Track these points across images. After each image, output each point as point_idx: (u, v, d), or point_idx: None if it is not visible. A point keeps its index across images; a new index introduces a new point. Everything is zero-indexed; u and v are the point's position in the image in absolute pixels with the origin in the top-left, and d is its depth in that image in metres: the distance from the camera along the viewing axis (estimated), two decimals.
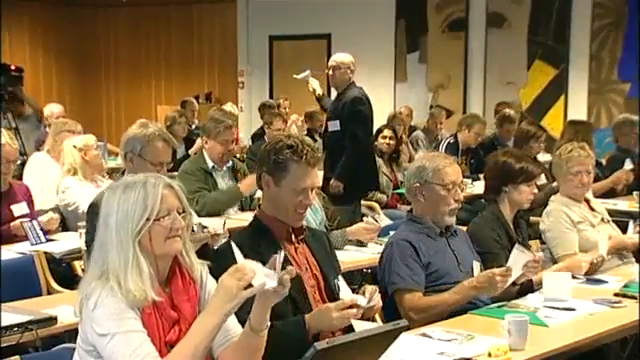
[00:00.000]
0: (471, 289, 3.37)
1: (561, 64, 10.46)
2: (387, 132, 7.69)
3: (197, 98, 12.10)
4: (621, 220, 4.77)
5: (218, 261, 2.60)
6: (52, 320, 3.22)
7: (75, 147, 5.35)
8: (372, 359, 2.50)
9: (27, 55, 13.42)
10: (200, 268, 2.50)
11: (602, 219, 4.52)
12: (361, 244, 4.77)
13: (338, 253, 3.40)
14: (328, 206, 4.95)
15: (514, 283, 3.52)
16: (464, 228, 3.91)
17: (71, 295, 3.54)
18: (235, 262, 2.32)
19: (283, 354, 2.74)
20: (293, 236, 3.04)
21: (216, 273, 2.39)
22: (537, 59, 10.62)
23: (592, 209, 4.52)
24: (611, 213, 4.82)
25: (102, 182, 5.35)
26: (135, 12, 14.05)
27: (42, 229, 4.70)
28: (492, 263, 3.56)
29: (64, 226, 5.16)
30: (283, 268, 2.29)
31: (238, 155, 7.78)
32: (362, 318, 2.88)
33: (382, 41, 11.51)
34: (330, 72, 6.65)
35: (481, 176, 6.76)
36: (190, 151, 8.33)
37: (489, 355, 2.81)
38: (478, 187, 6.79)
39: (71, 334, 3.12)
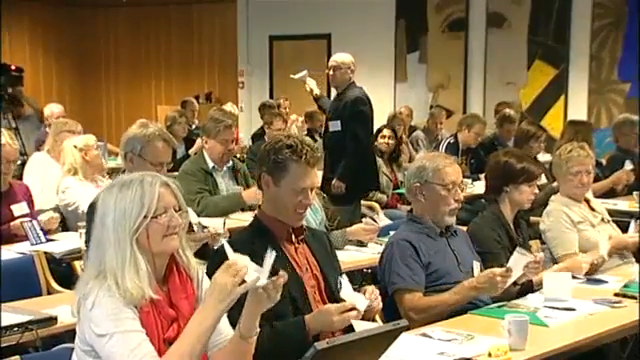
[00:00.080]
0: (471, 289, 3.37)
1: (561, 64, 10.46)
2: (386, 132, 7.69)
3: (197, 98, 12.10)
4: (621, 220, 4.77)
5: (215, 260, 2.60)
6: (52, 320, 3.22)
7: (75, 147, 5.35)
8: (372, 359, 2.50)
9: (27, 55, 13.42)
10: (197, 267, 2.51)
11: (602, 219, 4.52)
12: (361, 244, 4.77)
13: (338, 253, 3.40)
14: (328, 206, 4.95)
15: (515, 283, 3.52)
16: (464, 228, 3.91)
17: (71, 295, 3.50)
18: None
19: (283, 354, 2.74)
20: (293, 236, 3.04)
21: (213, 272, 2.39)
22: (537, 59, 10.62)
23: (592, 209, 4.52)
24: (611, 213, 4.82)
25: (102, 182, 5.35)
26: (135, 12, 14.05)
27: (42, 229, 4.70)
28: (492, 263, 3.56)
29: (64, 226, 5.16)
30: (273, 268, 2.29)
31: (238, 155, 7.79)
32: (362, 318, 2.88)
33: (382, 41, 11.50)
34: (331, 72, 6.66)
35: (481, 176, 6.78)
36: (190, 151, 8.33)
37: (489, 355, 2.81)
38: (478, 187, 6.80)
39: (71, 334, 3.10)
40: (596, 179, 5.61)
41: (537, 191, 4.08)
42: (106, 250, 2.34)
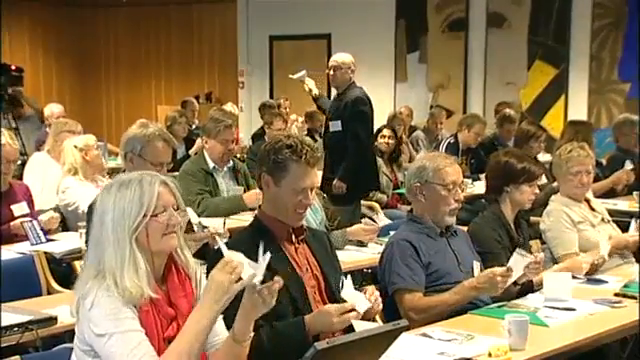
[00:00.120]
0: (471, 289, 3.37)
1: (561, 64, 10.46)
2: (386, 132, 7.69)
3: (197, 98, 12.10)
4: (621, 220, 4.77)
5: (215, 260, 2.60)
6: (52, 320, 3.22)
7: (76, 147, 5.35)
8: (372, 359, 2.50)
9: (27, 55, 13.42)
10: (195, 266, 2.51)
11: (602, 219, 4.52)
12: (361, 244, 4.78)
13: (338, 253, 3.39)
14: (328, 206, 4.95)
15: (515, 283, 3.52)
16: (464, 228, 3.91)
17: (71, 295, 3.49)
18: None
19: (283, 354, 2.74)
20: (293, 236, 3.03)
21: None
22: (537, 59, 10.62)
23: (592, 209, 4.52)
24: (611, 213, 4.82)
25: (102, 182, 5.34)
26: (135, 12, 14.05)
27: (42, 229, 4.70)
28: (493, 263, 3.56)
29: (64, 226, 5.16)
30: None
31: (238, 155, 7.79)
32: (362, 318, 2.88)
33: (382, 41, 11.50)
34: (331, 72, 6.66)
35: (481, 176, 6.78)
36: (190, 151, 8.33)
37: (489, 355, 2.81)
38: (478, 187, 6.80)
39: (71, 334, 3.09)
40: (596, 179, 5.61)
41: (537, 191, 4.08)
42: (105, 250, 2.34)
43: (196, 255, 2.65)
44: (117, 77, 14.51)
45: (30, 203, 5.03)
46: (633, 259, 4.44)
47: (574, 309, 3.46)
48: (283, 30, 12.34)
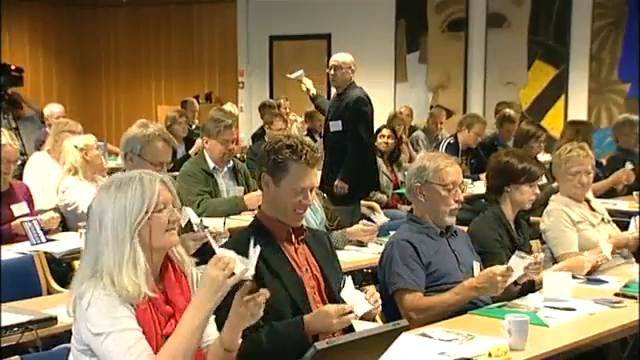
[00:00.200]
0: (471, 289, 3.37)
1: (561, 64, 10.46)
2: (385, 131, 7.69)
3: (197, 98, 12.11)
4: (621, 220, 4.77)
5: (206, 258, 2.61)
6: (52, 320, 3.22)
7: (76, 147, 5.36)
8: (372, 359, 2.50)
9: (27, 55, 13.42)
10: (190, 264, 2.54)
11: (602, 219, 4.52)
12: (361, 244, 4.78)
13: (338, 253, 3.39)
14: (328, 206, 4.95)
15: (516, 283, 3.52)
16: (464, 228, 3.91)
17: None
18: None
19: (283, 354, 2.74)
20: (293, 237, 3.03)
21: None
22: (537, 59, 10.62)
23: (592, 209, 4.52)
24: (611, 213, 4.82)
25: (102, 182, 5.34)
26: (135, 12, 14.05)
27: (42, 229, 4.70)
28: (492, 262, 3.55)
29: (64, 226, 5.16)
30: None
31: (238, 155, 7.79)
32: (362, 318, 2.88)
33: (382, 41, 11.50)
34: (331, 72, 6.66)
35: (481, 176, 6.79)
36: (190, 151, 8.33)
37: (489, 355, 2.81)
38: (478, 187, 6.80)
39: (71, 334, 3.11)
40: (596, 179, 5.61)
41: (538, 191, 4.08)
42: (104, 249, 2.34)
43: (196, 255, 2.66)
44: (117, 77, 14.51)
45: (30, 203, 5.03)
46: (633, 259, 4.44)
47: (574, 309, 3.46)
48: (283, 30, 12.34)
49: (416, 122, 10.81)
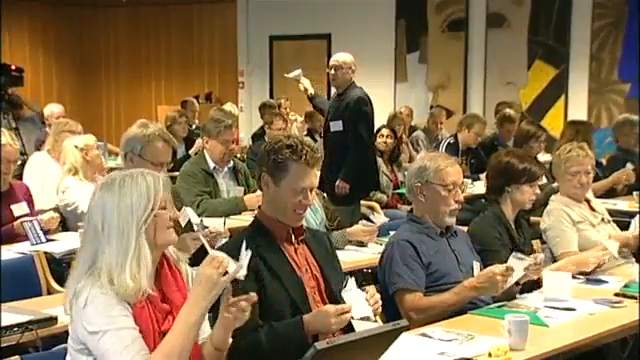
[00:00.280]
0: (471, 289, 3.37)
1: (561, 64, 10.46)
2: (385, 131, 7.69)
3: (197, 98, 12.10)
4: (621, 220, 4.77)
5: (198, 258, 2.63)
6: (52, 320, 3.22)
7: (76, 147, 5.36)
8: (372, 359, 2.50)
9: (27, 55, 13.42)
10: (184, 261, 2.56)
11: (602, 219, 4.52)
12: (361, 244, 4.78)
13: (338, 253, 3.39)
14: (328, 206, 4.95)
15: (517, 283, 3.52)
16: (464, 228, 3.91)
17: None
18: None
19: (282, 354, 2.74)
20: (293, 237, 3.03)
21: None
22: (537, 59, 10.62)
23: (592, 209, 4.52)
24: (611, 213, 4.82)
25: None
26: (135, 12, 14.05)
27: (42, 229, 4.70)
28: (492, 261, 3.55)
29: (64, 226, 5.16)
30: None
31: (239, 155, 7.79)
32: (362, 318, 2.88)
33: (382, 41, 11.50)
34: (332, 72, 6.66)
35: (481, 176, 6.79)
36: (190, 151, 8.33)
37: (489, 355, 2.81)
38: (478, 187, 6.80)
39: None
40: (596, 179, 5.61)
41: (538, 191, 4.08)
42: (104, 247, 2.34)
43: (196, 255, 2.66)
44: (117, 77, 14.52)
45: (30, 203, 5.03)
46: (633, 259, 4.44)
47: (574, 309, 3.46)
48: (283, 30, 12.34)
49: (416, 122, 10.80)
